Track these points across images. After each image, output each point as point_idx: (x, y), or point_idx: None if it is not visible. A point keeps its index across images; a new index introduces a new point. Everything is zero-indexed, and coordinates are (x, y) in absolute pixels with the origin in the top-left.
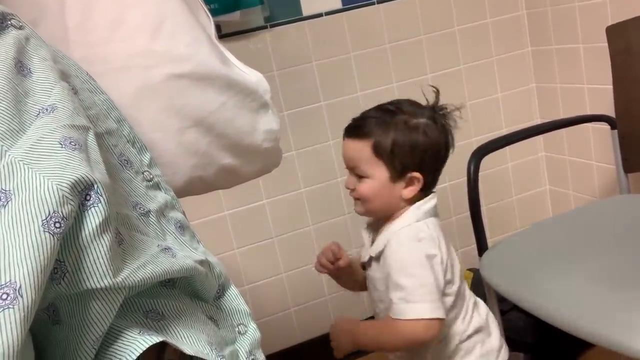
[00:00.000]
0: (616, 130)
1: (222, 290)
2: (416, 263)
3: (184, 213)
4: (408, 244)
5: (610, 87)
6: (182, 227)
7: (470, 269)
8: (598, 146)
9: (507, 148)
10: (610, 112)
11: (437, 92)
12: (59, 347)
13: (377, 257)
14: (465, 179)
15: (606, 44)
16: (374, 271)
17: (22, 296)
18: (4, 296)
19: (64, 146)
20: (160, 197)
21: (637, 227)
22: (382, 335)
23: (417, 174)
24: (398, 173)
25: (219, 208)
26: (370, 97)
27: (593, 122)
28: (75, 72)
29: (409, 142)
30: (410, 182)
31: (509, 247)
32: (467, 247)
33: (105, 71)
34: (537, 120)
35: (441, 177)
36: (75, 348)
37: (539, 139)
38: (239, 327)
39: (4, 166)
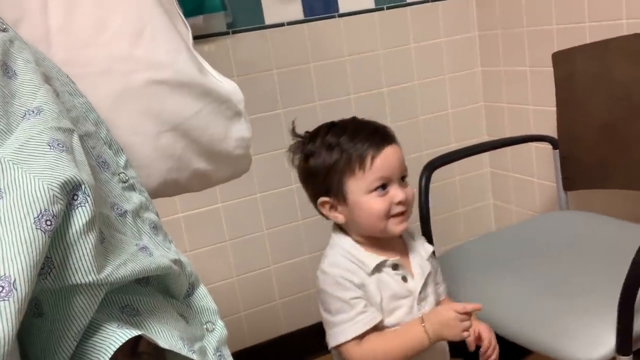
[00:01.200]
0: (558, 151)
1: (192, 288)
2: None
3: (157, 214)
4: None
5: (554, 109)
6: (156, 227)
7: None
8: (540, 164)
9: (455, 162)
10: (553, 133)
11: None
12: (40, 338)
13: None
14: (415, 190)
15: (552, 69)
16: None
17: (16, 289)
18: (0, 289)
19: (52, 147)
20: (136, 198)
21: (574, 241)
22: None
23: None
24: None
25: (174, 210)
26: (327, 107)
27: (536, 142)
28: (56, 75)
29: None
30: None
31: (456, 257)
32: None
33: (85, 74)
34: (485, 137)
35: None
36: (58, 340)
37: (485, 155)
38: (207, 324)
39: None
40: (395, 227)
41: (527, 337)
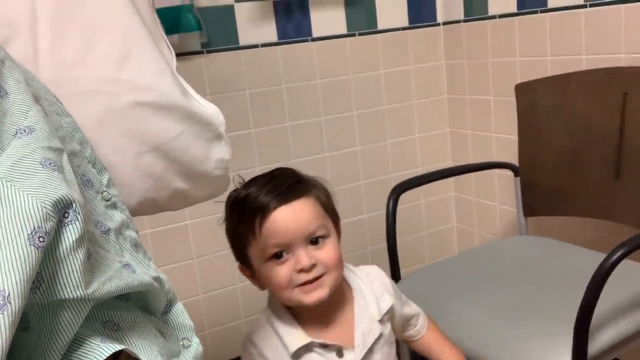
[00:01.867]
0: (519, 178)
1: (169, 305)
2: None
3: (137, 232)
4: (383, 272)
5: (516, 137)
6: (137, 245)
7: None
8: (501, 190)
9: (422, 187)
10: (514, 160)
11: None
12: (25, 351)
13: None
14: (380, 212)
15: (514, 99)
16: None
17: (10, 303)
18: None
19: (44, 166)
20: (118, 217)
21: (533, 266)
22: None
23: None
24: (336, 225)
25: (141, 226)
26: (299, 127)
27: (499, 169)
28: (44, 95)
29: (325, 190)
30: (339, 236)
31: (420, 279)
32: None
33: (72, 94)
34: (449, 162)
35: (360, 210)
36: (44, 353)
37: (450, 179)
38: (184, 341)
39: None
40: (304, 297)
41: (487, 358)
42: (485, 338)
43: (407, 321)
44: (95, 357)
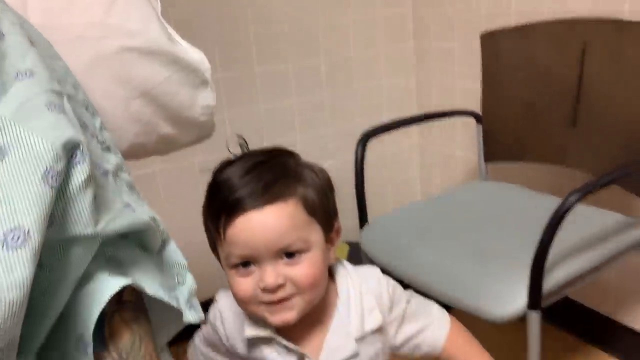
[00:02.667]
0: (481, 125)
1: (164, 244)
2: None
3: (130, 174)
4: (385, 283)
5: (478, 86)
6: (131, 187)
7: (347, 242)
8: (463, 138)
9: (385, 134)
10: (477, 108)
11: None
12: (38, 287)
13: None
14: (346, 159)
15: (478, 47)
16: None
17: (31, 239)
18: (15, 238)
19: (50, 109)
20: (113, 159)
21: (493, 209)
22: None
23: (337, 222)
24: (328, 226)
25: None
26: (265, 74)
27: (462, 116)
28: (37, 39)
29: (322, 184)
30: (336, 234)
31: (385, 224)
32: (343, 221)
33: (61, 40)
34: (414, 110)
35: (326, 156)
36: (56, 288)
37: (413, 127)
38: (178, 277)
39: None
40: (269, 316)
41: (450, 296)
42: (448, 277)
43: (410, 341)
44: (104, 291)
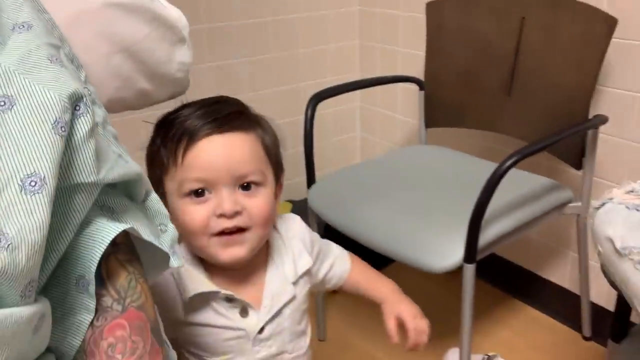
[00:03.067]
0: (423, 91)
1: (147, 194)
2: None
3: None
4: (305, 226)
5: (420, 53)
6: (117, 139)
7: (288, 201)
8: (404, 103)
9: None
10: (418, 74)
11: None
12: None
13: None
14: (290, 119)
15: (422, 16)
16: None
17: (46, 184)
18: (32, 183)
19: (52, 62)
20: (99, 112)
21: (434, 171)
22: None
23: (283, 178)
24: (277, 177)
25: None
26: (215, 31)
27: (405, 82)
28: None
29: (275, 134)
30: (279, 190)
31: (332, 183)
32: (286, 180)
33: None
34: (357, 74)
35: (276, 116)
36: (59, 232)
37: (356, 90)
38: (161, 226)
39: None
40: (219, 251)
41: (391, 250)
42: (391, 233)
43: (325, 278)
44: (106, 235)
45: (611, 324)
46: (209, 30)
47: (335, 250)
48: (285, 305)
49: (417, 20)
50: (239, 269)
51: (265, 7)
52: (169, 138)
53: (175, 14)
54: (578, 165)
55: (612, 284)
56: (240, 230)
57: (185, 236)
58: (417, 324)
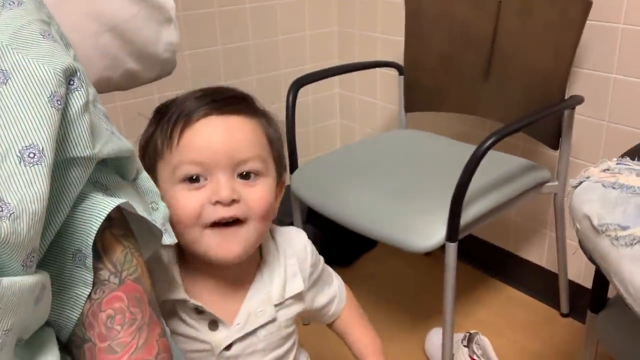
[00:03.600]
0: (403, 76)
1: (137, 172)
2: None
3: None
4: (310, 247)
5: (399, 38)
6: (107, 117)
7: None
8: (383, 88)
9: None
10: (397, 60)
11: None
12: None
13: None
14: (272, 106)
15: (401, 1)
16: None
17: (45, 156)
18: (31, 155)
19: (44, 37)
20: (90, 89)
21: (415, 154)
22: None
23: (284, 177)
24: (279, 175)
25: None
26: (191, 18)
27: (384, 67)
28: None
29: (279, 132)
30: (280, 190)
31: (314, 168)
32: None
33: None
34: (336, 60)
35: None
36: (55, 206)
37: (336, 77)
38: (152, 204)
39: None
40: (212, 245)
41: (376, 231)
42: (375, 215)
43: (319, 311)
44: (102, 209)
45: (590, 297)
46: (187, 17)
47: (335, 283)
48: (261, 327)
49: (395, 6)
50: (223, 278)
51: None
52: (165, 121)
53: None
54: (555, 146)
55: (591, 259)
56: (236, 222)
57: (176, 230)
58: None
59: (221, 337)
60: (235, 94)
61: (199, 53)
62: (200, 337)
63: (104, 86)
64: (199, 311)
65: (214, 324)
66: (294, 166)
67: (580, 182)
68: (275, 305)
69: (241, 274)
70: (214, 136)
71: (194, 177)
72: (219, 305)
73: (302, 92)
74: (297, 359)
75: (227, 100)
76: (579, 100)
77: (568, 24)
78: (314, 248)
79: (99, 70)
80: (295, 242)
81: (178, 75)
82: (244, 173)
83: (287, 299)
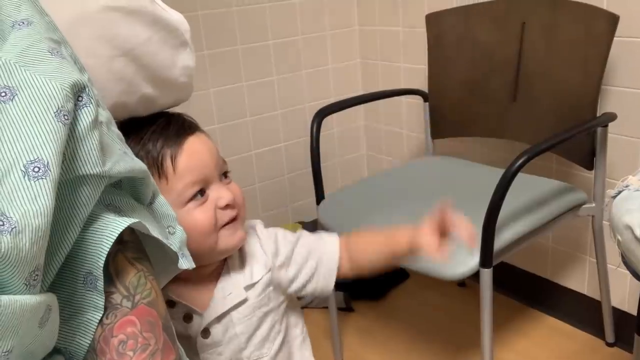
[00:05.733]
0: (428, 103)
1: (153, 197)
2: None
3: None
4: (268, 230)
5: (422, 66)
6: (122, 140)
7: (299, 222)
8: (408, 118)
9: (334, 116)
10: (422, 88)
11: None
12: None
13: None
14: (296, 140)
15: (420, 30)
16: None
17: (50, 171)
18: (36, 169)
19: (52, 54)
20: (104, 113)
21: (442, 180)
22: None
23: None
24: None
25: None
26: (215, 56)
27: (408, 96)
28: None
29: None
30: None
31: (341, 199)
32: (296, 202)
33: None
34: (360, 92)
35: (277, 139)
36: (65, 227)
37: (360, 109)
38: (169, 228)
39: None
40: (230, 239)
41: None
42: None
43: (313, 278)
44: (113, 229)
45: (636, 323)
46: (211, 56)
47: (321, 249)
48: (233, 308)
49: (416, 35)
50: (194, 273)
51: (267, 31)
52: (149, 158)
53: (176, 17)
54: (589, 165)
55: (634, 273)
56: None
57: (195, 243)
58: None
59: (196, 326)
60: (183, 116)
61: (224, 90)
62: (177, 332)
63: (120, 111)
64: (171, 304)
65: (188, 317)
66: (320, 197)
67: (619, 192)
68: (245, 288)
69: (210, 267)
70: (202, 153)
71: (199, 192)
72: (191, 298)
73: (328, 125)
74: (296, 349)
75: (187, 122)
76: (611, 117)
77: (595, 39)
78: (279, 229)
79: (114, 95)
80: (252, 229)
81: (204, 113)
82: (224, 174)
83: (255, 282)
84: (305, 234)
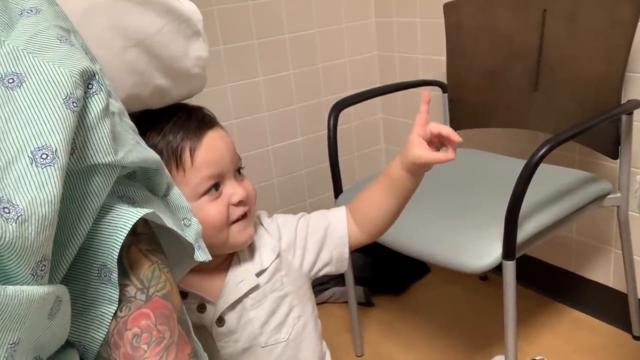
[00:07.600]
0: (447, 94)
1: (168, 189)
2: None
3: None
4: (270, 216)
5: (440, 57)
6: (135, 131)
7: None
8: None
9: (352, 109)
10: (440, 79)
11: None
12: (61, 218)
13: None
14: (313, 135)
15: (438, 20)
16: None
17: (58, 158)
18: (44, 156)
19: (61, 42)
20: (116, 104)
21: (463, 172)
22: None
23: None
24: None
25: None
26: (231, 51)
27: (426, 87)
28: None
29: None
30: None
31: (359, 191)
32: (314, 197)
33: None
34: (378, 84)
35: (294, 133)
36: (76, 218)
37: (378, 102)
38: (184, 220)
39: (7, 53)
40: (240, 235)
41: (427, 253)
42: (427, 236)
43: (327, 263)
44: (127, 219)
45: None
46: (227, 51)
47: (326, 221)
48: (246, 295)
49: (434, 25)
50: (205, 265)
51: (283, 25)
52: (169, 149)
53: (188, 7)
54: (614, 154)
55: None
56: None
57: (208, 237)
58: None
59: (210, 315)
60: (203, 110)
61: (240, 85)
62: (192, 320)
63: (134, 103)
64: (183, 296)
65: (201, 307)
66: (338, 191)
67: None
68: (256, 275)
69: (221, 257)
70: (220, 148)
71: (214, 186)
72: (203, 288)
73: (345, 118)
74: (311, 337)
75: (207, 117)
76: (636, 104)
77: (618, 26)
78: (280, 215)
79: (127, 87)
80: (262, 219)
81: (220, 108)
82: (237, 171)
83: (266, 268)
84: (306, 214)
